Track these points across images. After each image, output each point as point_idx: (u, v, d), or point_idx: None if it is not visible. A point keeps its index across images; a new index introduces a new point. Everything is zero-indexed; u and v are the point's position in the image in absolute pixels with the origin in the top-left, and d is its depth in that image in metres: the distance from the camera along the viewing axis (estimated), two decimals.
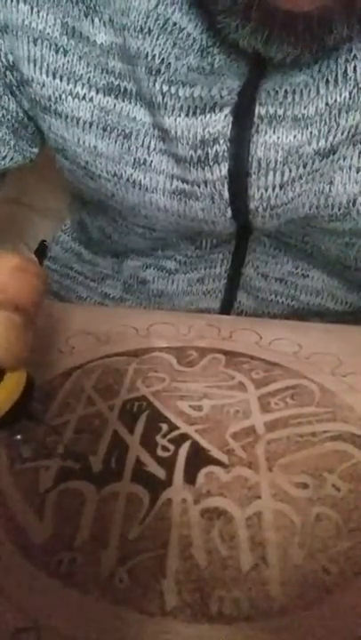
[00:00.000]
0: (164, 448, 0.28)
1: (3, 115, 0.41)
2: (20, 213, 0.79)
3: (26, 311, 0.21)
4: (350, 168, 0.36)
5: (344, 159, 0.35)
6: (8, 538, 0.24)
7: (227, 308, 0.51)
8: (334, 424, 0.30)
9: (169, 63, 0.33)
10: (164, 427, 0.30)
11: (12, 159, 0.43)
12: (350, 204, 0.37)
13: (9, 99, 0.40)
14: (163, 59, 0.33)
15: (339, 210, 0.37)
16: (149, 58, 0.33)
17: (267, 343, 0.38)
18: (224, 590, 0.22)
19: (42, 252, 0.66)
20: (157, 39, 0.33)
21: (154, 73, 0.34)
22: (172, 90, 0.34)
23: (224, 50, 0.33)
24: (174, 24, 0.32)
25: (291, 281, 0.49)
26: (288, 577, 0.22)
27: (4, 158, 0.42)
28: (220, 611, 0.21)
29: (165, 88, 0.34)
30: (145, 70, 0.34)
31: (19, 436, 0.27)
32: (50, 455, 0.28)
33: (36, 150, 0.45)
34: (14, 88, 0.39)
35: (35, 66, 0.37)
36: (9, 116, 0.41)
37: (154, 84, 0.34)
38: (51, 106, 0.38)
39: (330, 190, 0.37)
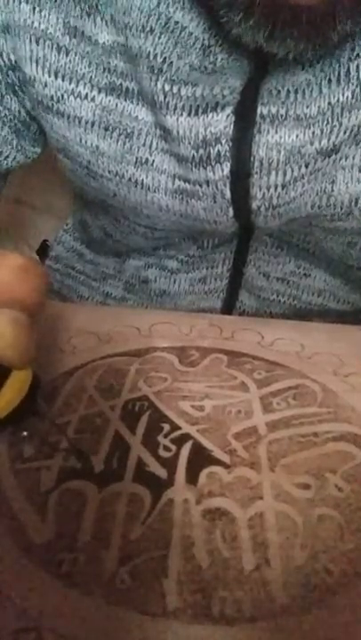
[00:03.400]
0: (166, 448, 0.28)
1: (5, 115, 0.41)
2: (22, 213, 0.79)
3: (30, 311, 0.21)
4: (353, 167, 0.35)
5: (346, 158, 0.35)
6: (9, 538, 0.23)
7: (228, 307, 0.51)
8: (336, 424, 0.30)
9: (171, 62, 0.33)
10: (166, 427, 0.30)
11: (14, 159, 0.43)
12: (352, 204, 0.37)
13: (11, 98, 0.40)
14: (165, 58, 0.33)
15: (341, 209, 0.37)
16: (151, 57, 0.33)
17: (269, 343, 0.38)
18: (226, 591, 0.22)
19: (44, 251, 0.66)
20: (159, 38, 0.33)
21: (156, 72, 0.34)
22: (174, 89, 0.34)
23: (226, 49, 0.33)
24: (176, 23, 0.32)
25: (293, 280, 0.49)
26: (290, 578, 0.22)
27: (6, 158, 0.42)
28: (221, 611, 0.21)
29: (167, 87, 0.34)
30: (147, 69, 0.34)
31: (25, 433, 0.27)
32: (52, 454, 0.28)
33: (38, 150, 0.45)
34: (17, 88, 0.39)
35: (37, 65, 0.37)
36: (11, 116, 0.41)
37: (156, 84, 0.34)
38: (53, 105, 0.38)
39: (332, 190, 0.36)
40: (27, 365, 0.22)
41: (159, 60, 0.33)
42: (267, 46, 0.29)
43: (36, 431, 0.28)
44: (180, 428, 0.30)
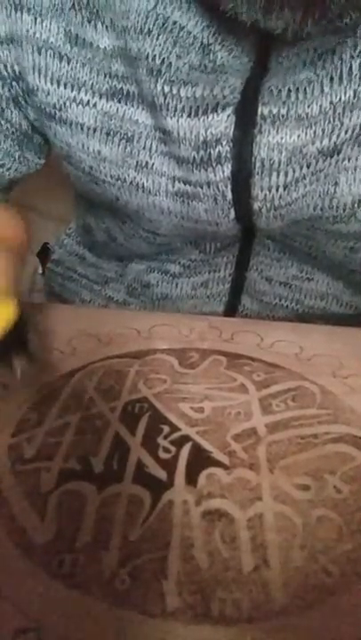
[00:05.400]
0: (166, 449, 0.28)
1: (7, 127, 0.41)
2: (23, 216, 0.79)
3: (11, 247, 0.23)
4: (356, 169, 0.35)
5: (349, 159, 0.35)
6: (9, 538, 0.24)
7: (231, 311, 0.51)
8: (336, 426, 0.30)
9: (170, 63, 0.33)
10: (166, 428, 0.30)
11: (16, 170, 0.44)
12: (355, 205, 0.37)
13: (12, 112, 0.41)
14: (163, 59, 0.33)
15: (344, 211, 0.37)
16: (150, 59, 0.33)
17: (268, 345, 0.38)
18: (225, 592, 0.22)
19: (44, 254, 0.66)
20: (157, 39, 0.33)
21: (155, 74, 0.34)
22: (174, 90, 0.34)
23: (226, 46, 0.33)
24: (174, 23, 0.32)
25: (295, 285, 0.49)
26: (289, 578, 0.22)
27: (9, 170, 0.43)
28: (221, 612, 0.21)
29: (167, 89, 0.34)
30: (146, 71, 0.34)
31: (18, 373, 0.27)
32: (52, 456, 0.28)
33: (42, 161, 0.45)
34: (20, 98, 0.40)
35: (39, 75, 0.37)
36: (13, 129, 0.41)
37: (155, 85, 0.34)
38: (55, 113, 0.39)
39: (335, 191, 0.36)
40: (6, 297, 0.24)
41: (158, 61, 0.33)
42: (264, 21, 0.28)
43: (30, 375, 0.28)
44: (179, 430, 0.30)
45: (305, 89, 0.33)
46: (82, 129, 0.39)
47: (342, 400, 0.32)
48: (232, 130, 0.34)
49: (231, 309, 0.51)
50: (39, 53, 0.36)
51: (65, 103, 0.38)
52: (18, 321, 0.24)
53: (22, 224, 0.24)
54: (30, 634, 0.20)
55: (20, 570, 0.22)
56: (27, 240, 0.24)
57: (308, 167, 0.35)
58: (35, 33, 0.36)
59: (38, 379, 0.32)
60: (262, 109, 0.33)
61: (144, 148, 0.38)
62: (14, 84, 0.39)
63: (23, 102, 0.40)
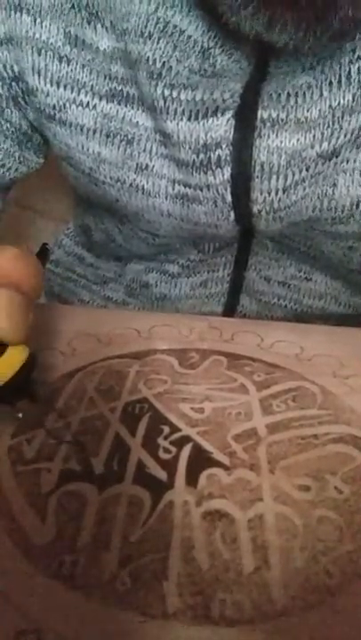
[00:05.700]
0: (166, 450, 0.28)
1: (7, 127, 0.41)
2: (22, 216, 0.79)
3: (27, 293, 0.23)
4: (354, 171, 0.36)
5: (347, 162, 0.35)
6: (9, 539, 0.23)
7: (230, 311, 0.51)
8: (336, 426, 0.30)
9: (170, 67, 0.33)
10: (166, 429, 0.30)
11: (16, 170, 0.44)
12: (354, 207, 0.37)
13: (12, 111, 0.40)
14: (163, 62, 0.33)
15: (342, 212, 0.37)
16: (150, 62, 0.33)
17: (268, 345, 0.38)
18: (226, 593, 0.22)
19: (44, 254, 0.66)
20: (158, 43, 0.33)
21: (155, 77, 0.34)
22: (174, 94, 0.34)
23: (226, 50, 0.33)
24: (175, 27, 0.32)
25: (294, 284, 0.49)
26: (290, 579, 0.22)
27: (9, 170, 0.43)
28: (221, 613, 0.21)
29: (167, 92, 0.34)
30: (146, 75, 0.34)
31: (20, 415, 0.27)
32: (52, 457, 0.28)
33: (41, 160, 0.45)
34: (19, 99, 0.40)
35: (39, 76, 0.37)
36: (13, 129, 0.41)
37: (155, 89, 0.34)
38: (55, 114, 0.39)
39: (333, 193, 0.37)
40: (20, 341, 0.24)
41: (158, 64, 0.33)
42: (266, 34, 0.28)
43: (31, 414, 0.28)
44: (180, 430, 0.30)
45: (304, 93, 0.33)
46: (81, 130, 0.39)
47: (343, 400, 0.32)
48: (232, 133, 0.35)
49: (230, 309, 0.51)
50: (39, 54, 0.36)
51: (65, 104, 0.38)
52: (26, 365, 0.24)
53: (38, 266, 0.24)
54: (30, 635, 0.20)
55: (20, 571, 0.22)
56: (41, 283, 0.24)
57: (307, 170, 0.35)
58: (34, 34, 0.36)
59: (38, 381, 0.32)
60: (262, 113, 0.34)
61: (144, 150, 0.38)
62: (14, 84, 0.39)
63: (23, 103, 0.40)
